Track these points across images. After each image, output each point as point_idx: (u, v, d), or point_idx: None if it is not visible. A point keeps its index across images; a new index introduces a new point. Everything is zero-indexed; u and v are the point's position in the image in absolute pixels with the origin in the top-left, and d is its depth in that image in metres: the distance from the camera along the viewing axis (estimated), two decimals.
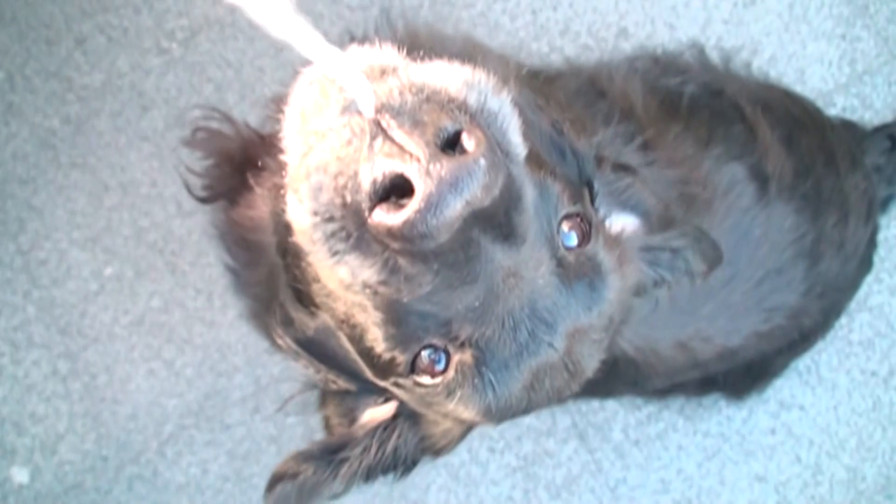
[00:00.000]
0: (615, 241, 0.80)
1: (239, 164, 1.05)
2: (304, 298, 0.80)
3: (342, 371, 0.86)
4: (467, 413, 0.73)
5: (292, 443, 1.76)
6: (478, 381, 0.69)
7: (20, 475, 1.77)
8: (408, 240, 0.54)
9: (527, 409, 0.75)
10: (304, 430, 1.76)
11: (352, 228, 0.58)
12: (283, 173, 0.63)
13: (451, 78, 0.60)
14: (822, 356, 1.79)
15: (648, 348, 1.20)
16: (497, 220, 0.59)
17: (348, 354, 0.79)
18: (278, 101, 1.04)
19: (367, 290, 0.63)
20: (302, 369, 0.93)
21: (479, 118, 0.59)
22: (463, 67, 0.62)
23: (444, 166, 0.53)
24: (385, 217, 0.55)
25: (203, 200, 1.12)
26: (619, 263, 0.75)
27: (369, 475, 0.89)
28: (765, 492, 1.81)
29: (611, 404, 1.78)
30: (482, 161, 0.53)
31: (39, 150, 1.75)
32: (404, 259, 0.58)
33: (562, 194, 0.70)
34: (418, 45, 1.05)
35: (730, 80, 1.40)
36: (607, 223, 0.88)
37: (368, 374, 0.78)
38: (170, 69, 1.75)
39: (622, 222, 0.89)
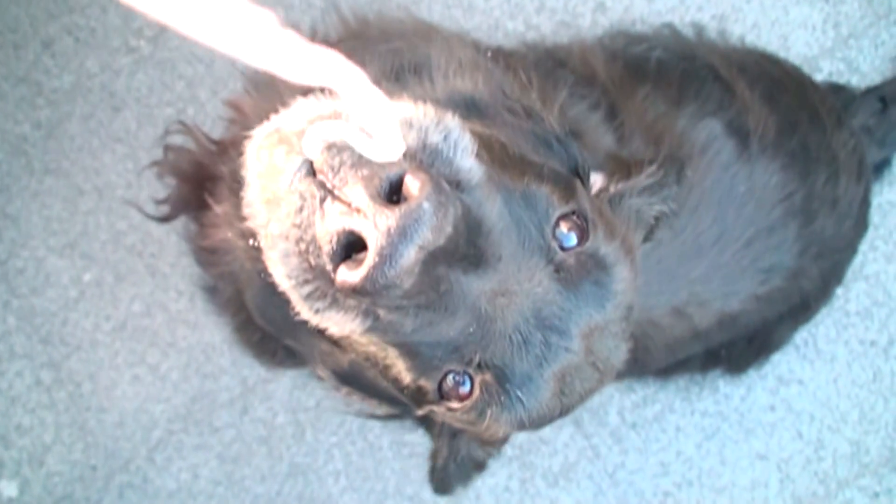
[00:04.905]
0: (616, 224, 0.79)
1: (197, 180, 1.05)
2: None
3: (382, 399, 0.89)
4: (502, 429, 0.75)
5: (283, 443, 1.73)
6: (504, 398, 0.71)
7: (9, 489, 1.74)
8: (371, 294, 0.55)
9: (563, 413, 0.77)
10: (295, 429, 1.73)
11: (326, 288, 0.60)
12: (256, 238, 0.64)
13: (387, 121, 0.59)
14: (820, 328, 1.75)
15: (644, 318, 1.16)
16: (461, 252, 0.59)
17: (384, 385, 0.80)
18: (233, 106, 1.03)
19: (363, 336, 0.64)
20: (344, 398, 0.95)
21: (422, 156, 0.59)
22: (400, 104, 0.61)
23: (391, 216, 0.53)
24: (347, 276, 0.56)
25: (162, 220, 1.13)
26: (625, 250, 0.75)
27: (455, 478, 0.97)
28: (767, 470, 1.78)
29: (606, 388, 1.74)
30: (425, 204, 0.54)
31: (11, 156, 1.72)
32: (380, 308, 0.60)
33: (551, 196, 0.69)
34: (369, 34, 1.03)
35: (702, 47, 1.36)
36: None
37: (405, 401, 0.80)
38: (140, 68, 1.72)
39: (594, 182, 0.88)
